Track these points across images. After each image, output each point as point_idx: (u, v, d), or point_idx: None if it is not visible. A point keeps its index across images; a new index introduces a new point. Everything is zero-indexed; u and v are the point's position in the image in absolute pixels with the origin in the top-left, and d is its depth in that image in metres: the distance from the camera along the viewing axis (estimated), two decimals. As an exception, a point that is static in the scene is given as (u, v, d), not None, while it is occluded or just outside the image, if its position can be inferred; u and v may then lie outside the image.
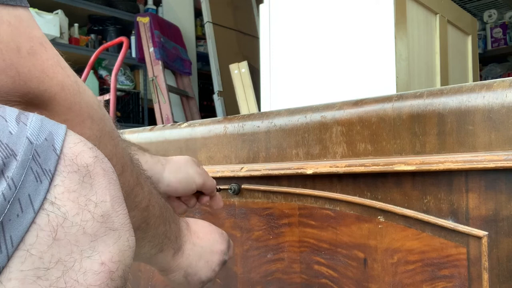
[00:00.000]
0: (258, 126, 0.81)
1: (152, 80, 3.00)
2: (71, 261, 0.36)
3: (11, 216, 0.34)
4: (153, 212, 0.57)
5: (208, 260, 0.66)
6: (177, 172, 0.71)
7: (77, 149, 0.39)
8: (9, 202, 0.33)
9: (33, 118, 0.38)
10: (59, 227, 0.36)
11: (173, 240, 0.62)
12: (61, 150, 0.38)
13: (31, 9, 0.42)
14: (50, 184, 0.36)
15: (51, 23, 2.93)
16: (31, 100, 0.41)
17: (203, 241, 0.66)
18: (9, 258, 0.33)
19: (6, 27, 0.39)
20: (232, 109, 2.67)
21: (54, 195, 0.36)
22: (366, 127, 0.67)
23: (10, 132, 0.35)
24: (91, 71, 2.92)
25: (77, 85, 0.44)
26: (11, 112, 0.37)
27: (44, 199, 0.35)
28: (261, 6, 1.21)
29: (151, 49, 3.02)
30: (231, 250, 0.72)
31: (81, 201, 0.37)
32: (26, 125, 0.37)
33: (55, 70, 0.42)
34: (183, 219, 0.66)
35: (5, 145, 0.35)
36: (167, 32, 3.20)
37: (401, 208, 0.64)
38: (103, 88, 3.25)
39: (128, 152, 0.54)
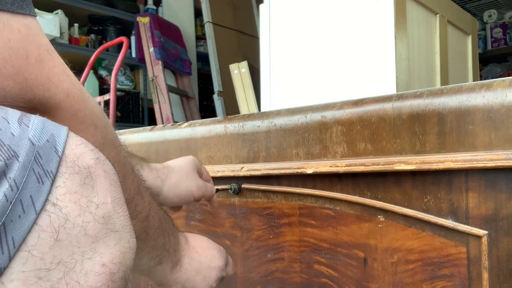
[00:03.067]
0: (258, 126, 0.81)
1: (152, 80, 3.00)
2: (73, 262, 0.36)
3: (13, 217, 0.34)
4: (153, 223, 0.57)
5: (206, 275, 0.66)
6: (176, 187, 0.71)
7: (78, 150, 0.39)
8: (11, 203, 0.34)
9: (35, 120, 0.38)
10: (61, 228, 0.36)
11: (172, 253, 0.62)
12: (63, 151, 0.38)
13: (40, 25, 0.43)
14: (51, 185, 0.36)
15: (51, 23, 2.93)
16: (36, 106, 0.41)
17: (202, 256, 0.66)
18: (10, 259, 0.34)
19: (16, 34, 0.40)
20: (232, 109, 2.66)
21: (56, 196, 0.36)
22: (366, 127, 0.68)
23: (12, 134, 0.36)
24: (91, 71, 2.92)
25: (81, 93, 0.45)
26: (13, 113, 0.37)
27: (46, 200, 0.35)
28: (261, 6, 1.21)
29: (151, 49, 3.02)
30: (229, 267, 0.71)
31: (82, 203, 0.37)
32: (28, 126, 0.37)
33: (61, 78, 0.43)
34: (182, 233, 0.67)
35: (7, 147, 0.35)
36: (167, 32, 3.20)
37: (401, 208, 0.64)
38: (103, 88, 3.24)
39: (129, 161, 0.54)
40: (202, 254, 0.67)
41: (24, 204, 0.34)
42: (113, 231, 0.39)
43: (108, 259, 0.38)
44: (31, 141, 0.36)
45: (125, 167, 0.52)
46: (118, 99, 3.11)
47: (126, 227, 0.41)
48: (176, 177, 0.71)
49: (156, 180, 0.70)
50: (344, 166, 0.68)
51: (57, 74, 0.43)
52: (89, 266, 0.37)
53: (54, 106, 0.42)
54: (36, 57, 0.41)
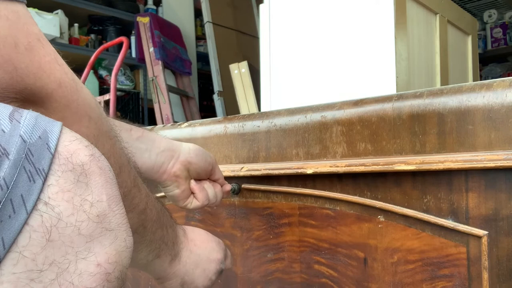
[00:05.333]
0: (258, 126, 0.81)
1: (152, 80, 3.00)
2: (66, 263, 0.35)
3: (2, 217, 0.33)
4: (151, 216, 0.56)
5: (205, 268, 0.66)
6: (193, 144, 0.73)
7: (72, 147, 0.38)
8: (0, 203, 0.33)
9: (27, 116, 0.37)
10: (53, 228, 0.35)
11: (170, 246, 0.61)
12: (56, 148, 0.36)
13: (31, 9, 0.42)
14: (43, 183, 0.35)
15: (51, 23, 2.93)
16: (28, 97, 0.40)
17: (200, 249, 0.66)
18: (0, 260, 0.33)
19: (3, 21, 0.38)
20: (232, 109, 2.67)
21: (48, 195, 0.35)
22: (366, 127, 0.67)
23: (3, 130, 0.34)
24: (91, 71, 2.92)
25: (74, 83, 0.43)
26: (4, 109, 0.36)
27: (38, 199, 0.34)
28: (261, 6, 1.21)
29: (151, 49, 3.02)
30: (228, 260, 0.71)
31: (76, 201, 0.36)
32: (19, 123, 0.36)
33: (53, 67, 0.41)
34: (180, 226, 0.66)
35: None
36: (167, 32, 3.20)
37: (401, 208, 0.64)
38: (103, 88, 3.25)
39: (125, 153, 0.53)
40: (201, 247, 0.66)
41: (14, 204, 0.33)
42: (108, 230, 0.38)
43: (103, 259, 0.37)
44: (22, 138, 0.35)
45: (121, 159, 0.50)
46: (118, 99, 3.11)
47: (122, 226, 0.39)
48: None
49: (174, 141, 0.71)
50: (344, 166, 0.68)
51: (48, 63, 0.41)
52: (83, 267, 0.36)
53: (46, 96, 0.41)
54: (26, 45, 0.39)
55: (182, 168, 0.70)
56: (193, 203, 0.72)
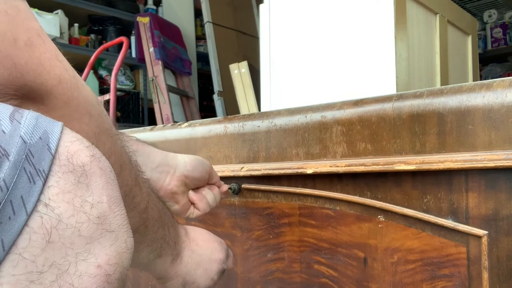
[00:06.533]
0: (258, 126, 0.81)
1: (152, 80, 3.00)
2: (66, 265, 0.35)
3: (2, 219, 0.32)
4: (152, 215, 0.56)
5: (207, 268, 0.65)
6: (188, 155, 0.72)
7: (73, 148, 0.37)
8: (0, 204, 0.32)
9: (28, 116, 0.36)
10: (53, 229, 0.34)
11: (172, 245, 0.61)
12: (56, 149, 0.36)
13: (31, 9, 0.41)
14: (44, 185, 0.35)
15: (51, 23, 2.93)
16: (27, 94, 0.40)
17: (202, 249, 0.66)
18: (0, 262, 0.32)
19: (2, 16, 0.38)
20: (232, 109, 2.67)
21: (48, 196, 0.35)
22: (366, 127, 0.67)
23: (3, 131, 0.34)
24: (91, 71, 2.92)
25: (75, 80, 0.43)
26: (4, 109, 0.36)
27: (38, 200, 0.34)
28: (261, 6, 1.21)
29: (151, 49, 3.02)
30: (230, 260, 0.71)
31: (76, 202, 0.36)
32: (20, 123, 0.35)
33: (53, 63, 0.41)
34: (181, 225, 0.65)
35: None
36: (167, 32, 3.20)
37: (401, 208, 0.64)
38: (103, 88, 3.25)
39: (126, 151, 0.52)
40: (202, 247, 0.66)
41: (14, 205, 0.33)
42: (108, 231, 0.38)
43: (104, 260, 0.37)
44: (22, 139, 0.35)
45: (122, 157, 0.50)
46: (118, 99, 3.11)
47: (122, 227, 0.39)
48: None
49: (169, 153, 0.70)
50: (344, 166, 0.68)
51: (48, 59, 0.40)
52: (83, 268, 0.36)
53: (46, 93, 0.40)
54: (26, 41, 0.39)
55: (178, 184, 0.70)
56: (194, 213, 0.72)
